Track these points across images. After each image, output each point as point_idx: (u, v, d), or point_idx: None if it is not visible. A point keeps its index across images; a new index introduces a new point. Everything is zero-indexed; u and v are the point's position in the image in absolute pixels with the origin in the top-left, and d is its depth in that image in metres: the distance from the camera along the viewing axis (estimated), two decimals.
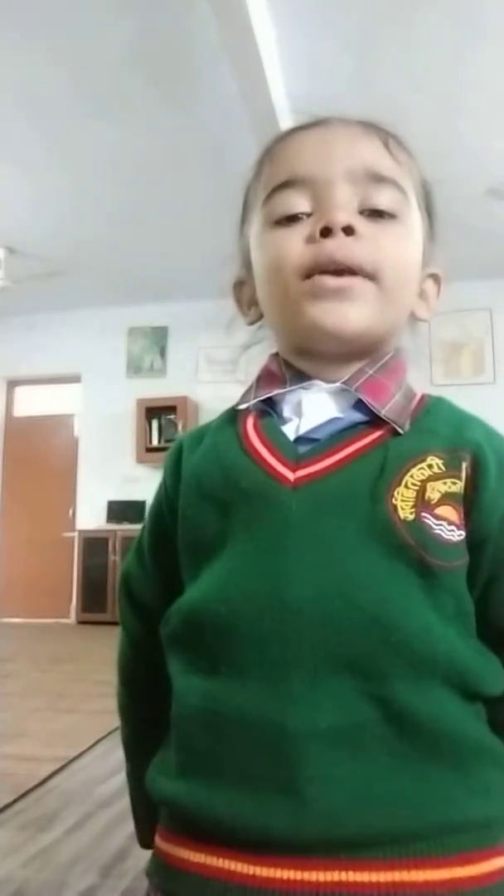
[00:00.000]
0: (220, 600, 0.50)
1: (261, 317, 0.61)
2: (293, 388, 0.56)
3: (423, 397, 0.57)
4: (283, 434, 0.55)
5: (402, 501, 0.49)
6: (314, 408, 0.55)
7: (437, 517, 0.49)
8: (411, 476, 0.50)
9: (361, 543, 0.49)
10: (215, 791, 0.47)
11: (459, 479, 0.51)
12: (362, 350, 0.56)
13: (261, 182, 0.58)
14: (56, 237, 4.96)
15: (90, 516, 6.21)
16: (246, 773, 0.46)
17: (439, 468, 0.51)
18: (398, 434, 0.53)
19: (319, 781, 0.45)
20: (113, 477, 6.15)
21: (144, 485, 5.76)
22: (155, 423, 6.17)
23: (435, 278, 0.62)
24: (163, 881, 0.50)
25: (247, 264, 0.61)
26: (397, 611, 0.47)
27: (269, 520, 0.50)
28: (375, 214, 0.54)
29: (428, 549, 0.48)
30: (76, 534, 6.07)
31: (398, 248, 0.55)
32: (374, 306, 0.54)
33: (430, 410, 0.56)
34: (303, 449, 0.53)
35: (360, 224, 0.53)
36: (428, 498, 0.49)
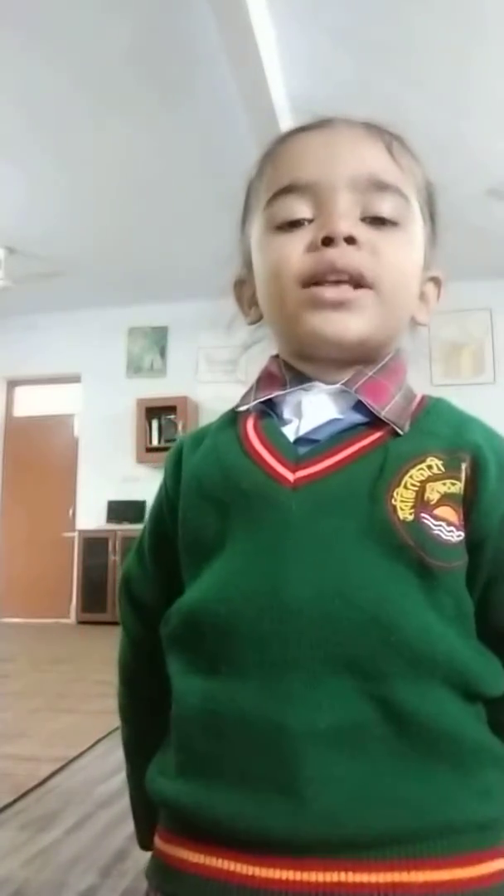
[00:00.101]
0: (220, 601, 0.50)
1: (261, 317, 0.61)
2: (293, 389, 0.56)
3: (423, 398, 0.58)
4: (283, 435, 0.55)
5: (402, 502, 0.49)
6: (314, 409, 0.55)
7: (436, 518, 0.49)
8: (411, 477, 0.50)
9: (361, 544, 0.49)
10: (215, 791, 0.47)
11: (459, 479, 0.51)
12: (363, 355, 0.56)
13: (263, 183, 0.58)
14: (56, 237, 4.96)
15: (90, 516, 6.21)
16: (245, 773, 0.46)
17: (439, 469, 0.51)
18: (398, 435, 0.53)
19: (319, 782, 0.45)
20: (113, 477, 6.15)
21: (144, 485, 5.76)
22: (155, 423, 6.17)
23: (435, 281, 0.62)
24: (162, 882, 0.50)
25: (247, 263, 0.61)
26: (397, 611, 0.47)
27: (268, 520, 0.51)
28: (377, 222, 0.54)
29: (427, 549, 0.48)
30: (76, 534, 6.07)
31: (399, 257, 0.55)
32: (374, 315, 0.54)
33: (430, 411, 0.56)
34: (303, 450, 0.53)
35: (362, 233, 0.53)
36: (427, 499, 0.50)
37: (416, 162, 0.58)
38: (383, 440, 0.53)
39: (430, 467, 0.51)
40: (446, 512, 0.50)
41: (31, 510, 6.59)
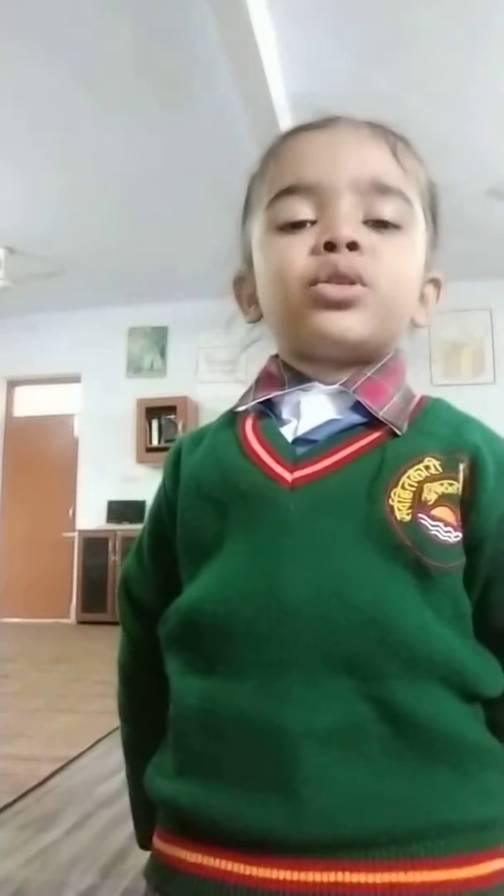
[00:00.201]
0: (218, 601, 0.50)
1: (261, 316, 0.61)
2: (292, 389, 0.57)
3: (421, 399, 0.58)
4: (281, 435, 0.55)
5: (399, 502, 0.49)
6: (312, 409, 0.56)
7: (433, 518, 0.49)
8: (408, 477, 0.50)
9: (358, 544, 0.49)
10: (212, 791, 0.47)
11: (457, 480, 0.51)
12: (362, 356, 0.56)
13: (265, 181, 0.58)
14: (56, 237, 4.96)
15: (90, 516, 6.21)
16: (243, 773, 0.46)
17: (436, 469, 0.51)
18: (396, 435, 0.53)
19: (316, 782, 0.45)
20: (113, 477, 6.15)
21: (144, 485, 5.76)
22: (155, 423, 6.17)
23: (435, 283, 0.62)
24: (160, 882, 0.50)
25: (248, 261, 0.61)
26: (394, 611, 0.47)
27: (266, 520, 0.51)
28: (380, 225, 0.54)
29: (424, 550, 0.48)
30: (76, 534, 6.07)
31: (400, 262, 0.55)
32: (375, 316, 0.54)
33: (429, 412, 0.56)
34: (301, 450, 0.53)
35: (364, 237, 0.53)
36: (424, 499, 0.50)
37: (419, 163, 0.58)
38: (381, 440, 0.53)
39: (427, 468, 0.51)
40: (443, 512, 0.50)
41: (31, 510, 6.59)
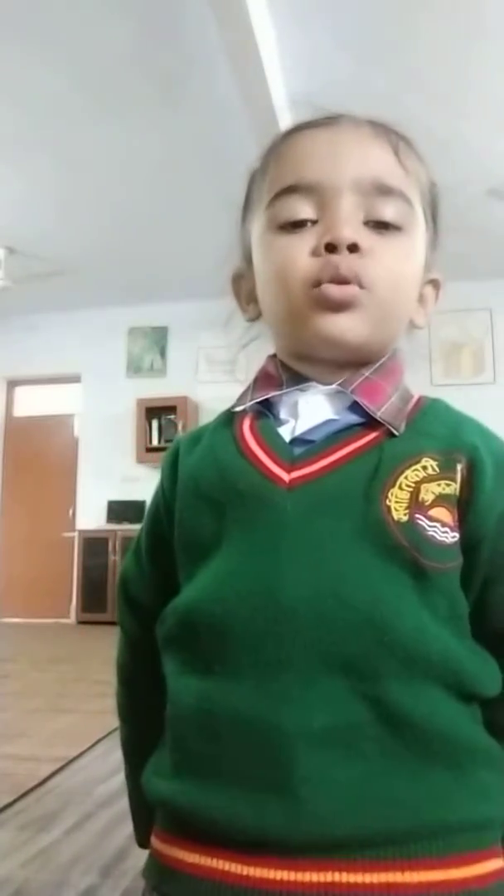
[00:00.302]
0: (215, 600, 0.50)
1: (259, 315, 0.61)
2: (290, 390, 0.57)
3: (419, 399, 0.58)
4: (278, 436, 0.55)
5: (396, 502, 0.49)
6: (310, 409, 0.56)
7: (430, 519, 0.49)
8: (405, 477, 0.50)
9: (355, 544, 0.49)
10: (210, 791, 0.47)
11: (454, 480, 0.51)
12: (361, 357, 0.56)
13: (266, 179, 0.57)
14: (56, 237, 4.96)
15: (90, 516, 6.21)
16: (240, 773, 0.46)
17: (433, 470, 0.51)
18: (394, 436, 0.53)
19: (313, 782, 0.45)
20: (113, 477, 6.15)
21: (144, 485, 5.76)
22: (155, 423, 6.17)
23: (434, 283, 0.62)
24: (158, 882, 0.50)
25: (247, 258, 0.61)
26: (391, 611, 0.47)
27: (263, 520, 0.51)
28: (380, 226, 0.54)
29: (421, 550, 0.48)
30: (76, 534, 6.07)
31: (400, 264, 0.55)
32: (373, 318, 0.54)
33: (427, 412, 0.56)
34: (298, 450, 0.53)
35: (365, 239, 0.53)
36: (421, 499, 0.50)
37: (420, 163, 0.58)
38: (379, 441, 0.53)
39: (425, 468, 0.51)
40: (441, 513, 0.50)
41: (31, 510, 6.59)
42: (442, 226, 0.61)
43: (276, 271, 0.55)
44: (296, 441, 0.54)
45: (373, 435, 0.53)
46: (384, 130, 0.56)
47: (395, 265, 0.54)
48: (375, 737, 0.46)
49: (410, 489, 0.50)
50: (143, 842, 0.64)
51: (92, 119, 3.63)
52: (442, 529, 0.49)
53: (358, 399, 0.54)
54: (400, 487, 0.50)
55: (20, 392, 6.92)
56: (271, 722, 0.46)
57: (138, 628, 0.62)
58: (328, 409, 0.55)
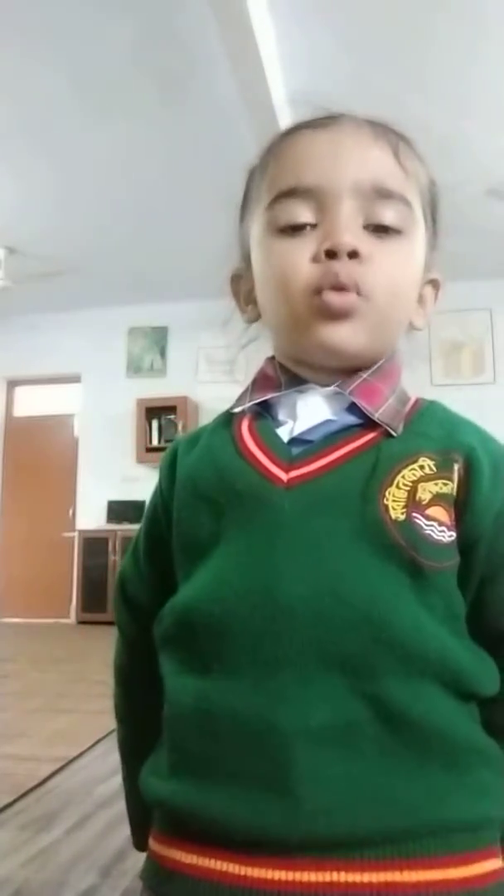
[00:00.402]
0: (213, 599, 0.50)
1: (259, 316, 0.61)
2: (288, 391, 0.57)
3: (417, 401, 0.58)
4: (277, 436, 0.55)
5: (394, 501, 0.49)
6: (308, 410, 0.56)
7: (427, 517, 0.49)
8: (403, 477, 0.50)
9: (353, 543, 0.49)
10: (207, 790, 0.47)
11: (451, 480, 0.51)
12: (360, 363, 0.56)
13: (265, 179, 0.57)
14: (56, 237, 4.96)
15: (90, 516, 6.21)
16: (238, 772, 0.46)
17: (431, 469, 0.51)
18: (391, 436, 0.53)
19: (310, 780, 0.45)
20: (113, 477, 6.15)
21: (144, 485, 5.75)
22: (155, 423, 6.17)
23: (434, 284, 0.62)
24: (156, 883, 0.50)
25: (245, 257, 0.61)
26: (389, 608, 0.47)
27: (261, 520, 0.51)
28: (380, 230, 0.54)
29: (418, 549, 0.48)
30: (76, 534, 6.07)
31: (399, 270, 0.55)
32: (372, 326, 0.54)
33: (424, 414, 0.56)
34: (296, 450, 0.54)
35: (364, 245, 0.52)
36: (419, 498, 0.50)
37: (420, 163, 0.58)
38: (376, 441, 0.53)
39: (422, 467, 0.51)
40: (438, 512, 0.50)
41: (31, 510, 6.59)
42: (441, 225, 0.61)
43: (276, 277, 0.55)
44: (294, 441, 0.54)
45: (371, 435, 0.53)
46: (384, 131, 0.56)
47: (394, 271, 0.54)
48: (373, 735, 0.46)
49: (408, 488, 0.50)
50: (140, 844, 0.64)
51: (92, 119, 3.63)
52: (439, 528, 0.49)
53: (356, 401, 0.54)
54: (397, 486, 0.50)
55: (20, 392, 6.92)
56: (269, 720, 0.46)
57: (136, 629, 0.62)
58: (326, 410, 0.55)
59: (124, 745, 0.67)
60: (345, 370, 0.56)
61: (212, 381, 6.00)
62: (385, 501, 0.49)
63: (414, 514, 0.49)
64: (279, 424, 0.56)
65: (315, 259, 0.53)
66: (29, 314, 6.33)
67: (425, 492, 0.50)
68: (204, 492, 0.55)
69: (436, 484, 0.50)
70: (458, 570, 0.51)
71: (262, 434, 0.56)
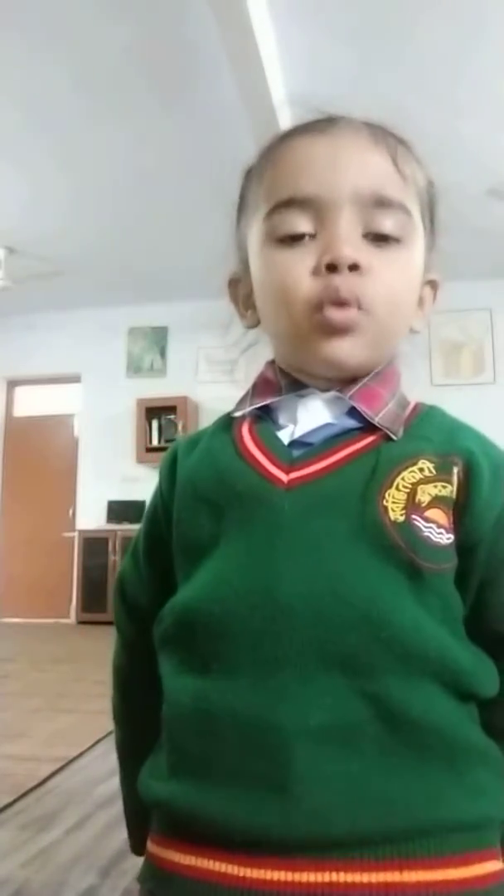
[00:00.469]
0: (213, 599, 0.50)
1: (258, 322, 0.61)
2: (288, 395, 0.57)
3: (416, 405, 0.58)
4: (277, 438, 0.55)
5: (393, 503, 0.50)
6: (309, 414, 0.56)
7: (426, 520, 0.50)
8: (402, 479, 0.51)
9: (352, 544, 0.49)
10: (206, 791, 0.47)
11: (450, 483, 0.51)
12: (361, 372, 0.56)
13: (262, 185, 0.57)
14: (56, 237, 4.95)
15: (90, 516, 6.21)
16: (237, 771, 0.47)
17: (430, 472, 0.51)
18: (391, 440, 0.53)
19: (310, 779, 0.45)
20: (113, 477, 6.15)
21: (144, 485, 5.75)
22: (155, 423, 6.17)
23: (432, 284, 0.62)
24: (154, 886, 0.51)
25: (243, 261, 0.61)
26: (388, 608, 0.48)
27: (261, 520, 0.51)
28: (379, 238, 0.53)
29: (417, 550, 0.49)
30: (76, 534, 6.07)
31: (399, 280, 0.55)
32: (374, 340, 0.54)
33: (424, 418, 0.57)
34: (297, 452, 0.54)
35: (364, 256, 0.52)
36: (418, 500, 0.50)
37: (418, 165, 0.57)
38: (376, 444, 0.53)
39: (421, 470, 0.51)
40: (436, 514, 0.50)
41: (31, 510, 6.59)
42: (439, 226, 0.61)
43: (276, 291, 0.55)
44: (294, 444, 0.55)
45: (371, 438, 0.53)
46: (382, 135, 0.55)
47: (394, 281, 0.54)
48: (372, 734, 0.46)
49: (407, 490, 0.50)
50: (136, 848, 0.64)
51: (92, 119, 3.63)
52: (437, 531, 0.50)
53: (356, 405, 0.54)
54: (397, 488, 0.50)
55: (20, 392, 6.92)
56: (268, 720, 0.46)
57: (135, 631, 0.63)
58: (327, 414, 0.56)
59: (122, 748, 0.67)
60: (345, 376, 0.56)
61: (212, 381, 6.00)
62: (384, 503, 0.49)
63: (413, 516, 0.49)
64: (280, 428, 0.57)
65: (315, 272, 0.52)
66: (29, 314, 6.33)
67: (424, 494, 0.50)
68: (204, 493, 0.55)
69: (435, 486, 0.51)
70: (458, 574, 0.51)
71: (262, 436, 0.56)
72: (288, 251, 0.54)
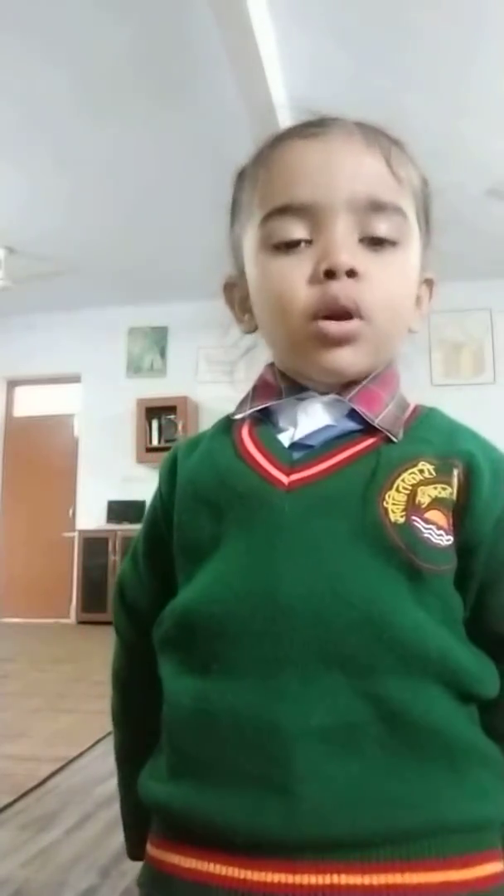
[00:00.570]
0: (214, 601, 0.50)
1: (256, 327, 0.61)
2: (288, 398, 0.57)
3: (416, 408, 0.58)
4: (277, 440, 0.56)
5: (393, 505, 0.50)
6: (309, 416, 0.56)
7: (426, 521, 0.50)
8: (403, 480, 0.51)
9: (352, 545, 0.49)
10: (207, 793, 0.47)
11: (450, 485, 0.51)
12: (361, 377, 0.56)
13: (256, 190, 0.57)
14: (56, 237, 4.95)
15: (90, 516, 6.21)
16: (238, 772, 0.46)
17: (430, 473, 0.51)
18: (391, 441, 0.53)
19: (311, 780, 0.45)
20: (113, 477, 6.15)
21: (144, 485, 5.75)
22: (155, 423, 6.17)
23: (429, 283, 0.62)
24: (154, 889, 0.50)
25: (238, 265, 0.61)
26: (389, 608, 0.48)
27: (262, 521, 0.51)
28: (375, 242, 0.53)
29: (417, 552, 0.49)
30: (76, 534, 6.07)
31: (396, 284, 0.55)
32: (373, 347, 0.54)
33: (424, 420, 0.57)
34: (297, 454, 0.54)
35: (361, 261, 0.52)
36: (418, 502, 0.50)
37: (413, 166, 0.57)
38: (376, 446, 0.53)
39: (422, 471, 0.51)
40: (436, 516, 0.50)
41: (31, 510, 6.59)
42: (434, 224, 0.60)
43: (273, 300, 0.55)
44: (294, 446, 0.55)
45: (371, 440, 0.54)
46: (375, 137, 0.55)
47: (391, 285, 0.54)
48: (373, 734, 0.46)
49: (407, 492, 0.50)
50: (133, 853, 0.64)
51: (92, 119, 3.63)
52: (437, 532, 0.50)
53: (356, 407, 0.54)
54: (397, 490, 0.50)
55: (20, 392, 6.92)
56: (269, 720, 0.46)
57: (134, 633, 0.63)
58: (326, 417, 0.56)
59: (121, 750, 0.67)
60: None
61: (212, 381, 5.99)
62: (385, 504, 0.50)
63: (413, 518, 0.49)
64: (280, 431, 0.57)
65: (312, 280, 0.52)
66: (29, 314, 6.33)
67: (424, 495, 0.50)
68: (204, 495, 0.55)
69: (435, 488, 0.51)
70: (458, 576, 0.51)
71: (262, 438, 0.56)
72: (284, 258, 0.54)
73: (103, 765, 2.08)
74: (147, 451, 6.09)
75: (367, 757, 0.46)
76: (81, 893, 1.35)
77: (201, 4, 2.76)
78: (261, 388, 0.59)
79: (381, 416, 0.54)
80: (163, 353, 6.46)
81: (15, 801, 1.83)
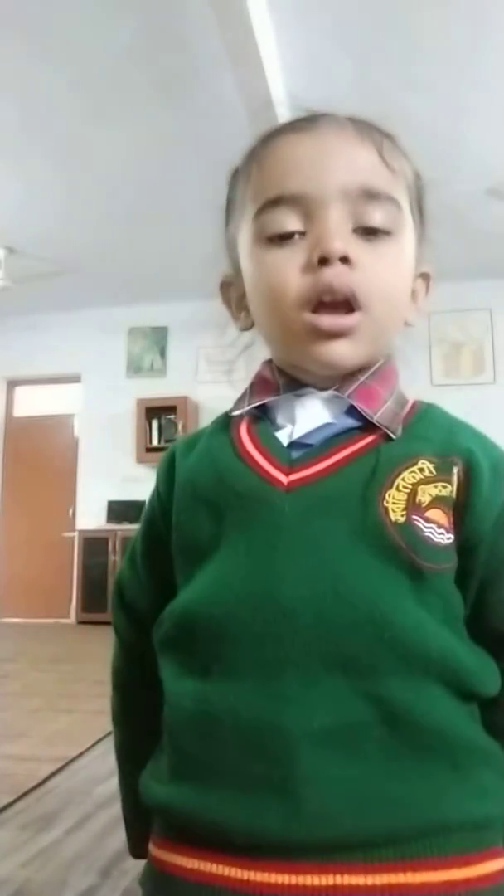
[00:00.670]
0: (214, 602, 0.50)
1: (252, 324, 0.60)
2: (286, 395, 0.57)
3: (414, 404, 0.58)
4: (276, 439, 0.55)
5: (394, 504, 0.49)
6: (307, 414, 0.56)
7: (427, 520, 0.49)
8: (403, 479, 0.51)
9: (353, 545, 0.49)
10: (208, 794, 0.47)
11: (450, 483, 0.51)
12: (357, 371, 0.56)
13: (249, 186, 0.57)
14: (56, 237, 4.95)
15: (90, 516, 6.21)
16: (239, 774, 0.46)
17: (430, 472, 0.51)
18: (390, 439, 0.53)
19: (313, 781, 0.45)
20: (113, 477, 6.15)
21: (144, 485, 5.74)
22: (155, 423, 6.17)
23: (424, 277, 0.61)
24: (156, 889, 0.50)
25: (234, 263, 0.60)
26: (390, 608, 0.47)
27: (261, 522, 0.51)
28: (369, 232, 0.53)
29: (418, 551, 0.49)
30: (76, 534, 6.07)
31: (392, 273, 0.54)
32: (370, 339, 0.54)
33: (422, 417, 0.56)
34: (296, 454, 0.54)
35: (355, 250, 0.52)
36: (419, 501, 0.50)
37: (405, 159, 0.57)
38: (376, 444, 0.53)
39: (421, 470, 0.51)
40: (437, 514, 0.50)
41: (31, 510, 6.59)
42: (429, 217, 0.60)
43: (267, 291, 0.54)
44: (293, 445, 0.54)
45: (370, 438, 0.53)
46: (367, 130, 0.55)
47: (387, 274, 0.54)
48: (376, 735, 0.46)
49: (408, 491, 0.50)
50: (135, 851, 0.64)
51: (92, 119, 3.63)
52: (438, 531, 0.50)
53: (355, 404, 0.54)
54: (397, 489, 0.50)
55: (20, 392, 6.92)
56: (271, 722, 0.46)
57: (133, 633, 0.62)
58: (325, 414, 0.55)
59: (121, 750, 0.66)
60: (342, 374, 0.56)
61: (212, 381, 5.99)
62: (385, 503, 0.49)
63: (414, 517, 0.49)
64: (278, 428, 0.56)
65: (306, 269, 0.52)
66: (29, 314, 6.33)
67: (425, 494, 0.50)
68: (203, 494, 0.55)
69: (435, 487, 0.51)
70: (459, 574, 0.51)
71: (261, 437, 0.56)
72: (278, 250, 0.53)
73: (103, 765, 2.08)
74: (147, 450, 6.09)
75: (369, 758, 0.45)
76: (82, 893, 1.36)
77: (201, 4, 2.76)
78: (258, 385, 0.59)
79: (379, 413, 0.54)
80: (163, 353, 6.46)
81: (15, 801, 1.83)
